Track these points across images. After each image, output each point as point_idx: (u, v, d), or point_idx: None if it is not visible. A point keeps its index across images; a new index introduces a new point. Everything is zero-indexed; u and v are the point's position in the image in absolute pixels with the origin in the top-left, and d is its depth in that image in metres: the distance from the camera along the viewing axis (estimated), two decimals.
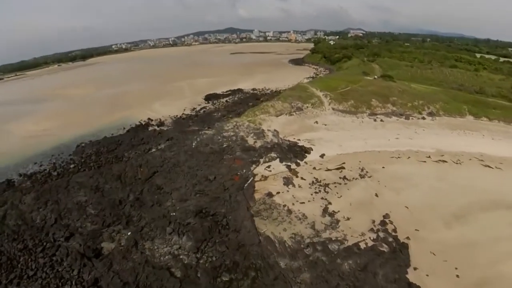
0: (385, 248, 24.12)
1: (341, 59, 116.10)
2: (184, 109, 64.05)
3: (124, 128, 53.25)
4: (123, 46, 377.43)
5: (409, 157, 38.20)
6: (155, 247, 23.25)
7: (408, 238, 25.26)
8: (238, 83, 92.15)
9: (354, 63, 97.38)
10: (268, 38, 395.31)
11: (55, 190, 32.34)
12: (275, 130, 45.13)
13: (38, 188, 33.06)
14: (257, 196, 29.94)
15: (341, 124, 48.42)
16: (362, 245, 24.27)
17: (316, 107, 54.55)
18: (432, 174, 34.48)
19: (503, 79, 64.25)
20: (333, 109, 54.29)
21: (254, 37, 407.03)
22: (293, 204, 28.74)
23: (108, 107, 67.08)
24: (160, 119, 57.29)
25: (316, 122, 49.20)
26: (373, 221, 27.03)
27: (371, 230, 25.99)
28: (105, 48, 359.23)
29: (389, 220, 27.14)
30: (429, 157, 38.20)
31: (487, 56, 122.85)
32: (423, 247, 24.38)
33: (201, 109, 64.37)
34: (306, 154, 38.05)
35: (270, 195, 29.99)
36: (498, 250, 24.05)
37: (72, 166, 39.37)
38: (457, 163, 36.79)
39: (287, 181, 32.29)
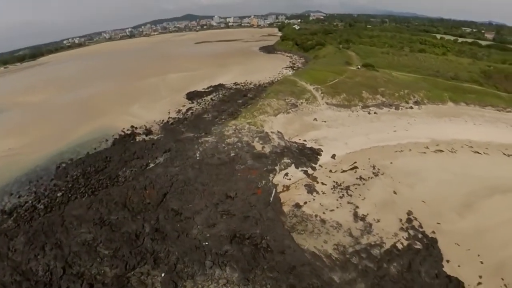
0: (419, 245, 25.45)
1: (314, 46, 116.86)
2: (169, 112, 59.06)
3: (106, 140, 47.34)
4: (76, 41, 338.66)
5: (410, 150, 40.17)
6: (199, 286, 21.24)
7: (433, 232, 26.88)
8: (216, 77, 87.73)
9: (330, 50, 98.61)
10: (229, 24, 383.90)
11: (50, 229, 27.68)
12: (278, 132, 43.93)
13: (26, 229, 27.91)
14: (285, 209, 29.04)
15: (340, 120, 48.98)
16: (399, 246, 25.26)
17: (311, 102, 54.29)
18: (435, 165, 36.72)
19: (471, 63, 70.67)
20: (327, 103, 54.57)
21: (215, 24, 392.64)
22: (323, 213, 28.49)
23: (80, 115, 58.61)
24: (145, 126, 52.09)
25: (315, 119, 49.03)
26: (400, 220, 28.15)
27: (401, 229, 27.06)
28: (56, 44, 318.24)
29: (413, 217, 28.49)
30: (427, 147, 40.63)
31: (446, 37, 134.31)
32: (448, 239, 26.16)
33: (187, 110, 59.99)
34: (318, 157, 37.78)
35: (298, 206, 29.28)
36: (505, 234, 26.71)
37: (59, 194, 33.90)
38: (452, 152, 39.71)
39: (310, 189, 31.80)
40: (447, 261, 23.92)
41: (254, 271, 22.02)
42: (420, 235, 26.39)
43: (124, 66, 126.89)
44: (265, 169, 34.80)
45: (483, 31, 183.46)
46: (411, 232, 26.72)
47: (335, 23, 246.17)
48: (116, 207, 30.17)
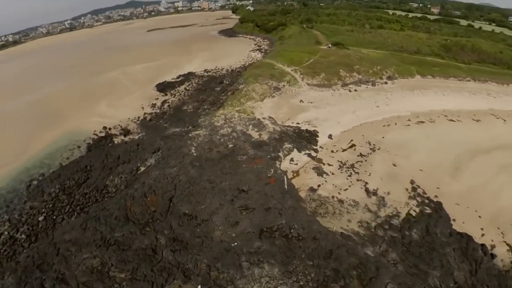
0: (428, 210, 27.66)
1: (276, 27, 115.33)
2: (142, 107, 53.67)
3: (79, 147, 41.34)
4: (10, 39, 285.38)
5: (396, 124, 42.65)
6: None
7: (436, 196, 29.40)
8: (183, 65, 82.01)
9: (295, 31, 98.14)
10: (179, 9, 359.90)
11: (44, 262, 23.30)
12: (270, 117, 43.01)
13: (13, 266, 23.20)
14: (301, 194, 28.93)
15: (325, 100, 49.67)
16: (413, 213, 27.18)
17: (292, 84, 53.96)
18: (421, 136, 39.60)
19: (429, 37, 76.67)
20: (308, 84, 54.78)
21: (163, 9, 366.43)
22: (338, 193, 29.13)
23: (38, 121, 49.51)
24: (120, 126, 46.61)
25: (301, 101, 49.00)
26: (406, 189, 30.17)
27: (410, 197, 29.07)
28: None
29: (416, 185, 30.73)
30: (410, 120, 43.59)
31: (397, 12, 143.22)
32: (449, 200, 28.88)
33: (162, 104, 55.13)
34: (316, 138, 38.06)
35: (312, 190, 29.44)
36: (492, 189, 30.52)
37: (40, 218, 28.75)
38: (431, 122, 43.23)
39: (319, 171, 32.09)
40: (453, 220, 26.53)
41: (293, 262, 21.68)
42: (427, 201, 28.67)
43: (74, 61, 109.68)
44: (269, 156, 33.97)
45: (429, 6, 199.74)
46: (418, 199, 28.84)
47: (289, 3, 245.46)
48: (117, 222, 26.71)
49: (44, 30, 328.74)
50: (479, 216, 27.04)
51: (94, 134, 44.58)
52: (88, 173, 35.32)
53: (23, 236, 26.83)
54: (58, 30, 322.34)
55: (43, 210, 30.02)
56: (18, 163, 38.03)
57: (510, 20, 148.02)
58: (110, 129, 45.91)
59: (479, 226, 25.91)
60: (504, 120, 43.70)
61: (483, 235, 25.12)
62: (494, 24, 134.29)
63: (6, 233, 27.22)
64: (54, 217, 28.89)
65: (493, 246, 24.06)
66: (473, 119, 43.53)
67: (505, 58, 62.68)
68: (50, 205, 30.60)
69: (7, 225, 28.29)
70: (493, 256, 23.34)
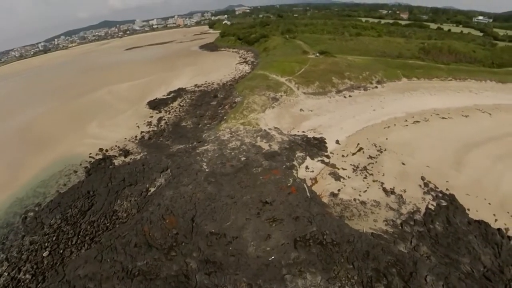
0: (444, 203, 28.64)
1: (259, 39, 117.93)
2: (138, 126, 51.64)
3: (75, 172, 38.55)
4: None
5: (395, 125, 44.35)
6: None
7: (447, 189, 30.58)
8: (171, 82, 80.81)
9: (279, 42, 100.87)
10: (154, 26, 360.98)
11: None
12: (275, 128, 43.14)
13: None
14: (324, 200, 28.91)
15: (323, 107, 50.87)
16: (431, 207, 27.99)
17: (289, 94, 54.84)
18: (420, 134, 41.39)
19: (406, 42, 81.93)
20: (304, 93, 55.94)
21: (137, 28, 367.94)
22: (359, 195, 29.48)
23: (25, 147, 45.45)
24: (118, 147, 44.33)
25: (302, 109, 49.81)
26: (420, 185, 31.14)
27: (425, 193, 29.99)
28: None
29: (427, 181, 31.76)
30: (406, 120, 45.57)
31: (370, 20, 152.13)
32: (459, 192, 30.14)
33: (158, 121, 53.45)
34: (325, 145, 38.58)
35: (334, 195, 29.54)
36: (493, 178, 32.38)
37: (45, 253, 25.91)
38: (426, 121, 45.43)
39: (336, 176, 32.34)
40: (468, 209, 27.63)
41: (333, 268, 21.28)
42: (440, 194, 29.70)
43: (55, 84, 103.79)
44: (284, 166, 33.79)
45: (397, 12, 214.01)
46: (433, 193, 29.81)
47: (264, 16, 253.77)
48: (138, 249, 24.87)
49: (16, 53, 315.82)
50: (489, 204, 28.40)
51: (91, 157, 41.97)
52: (92, 199, 32.88)
53: (27, 276, 23.89)
54: (32, 53, 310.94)
55: (46, 244, 27.17)
56: (8, 194, 34.52)
57: (475, 21, 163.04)
58: (107, 150, 43.50)
59: (491, 212, 27.25)
60: (490, 114, 47.06)
61: (496, 220, 26.32)
62: (460, 25, 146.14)
63: (6, 274, 24.09)
64: (61, 251, 26.22)
65: (507, 229, 25.26)
66: (462, 115, 46.46)
67: (479, 56, 68.50)
68: (54, 238, 27.81)
69: (5, 265, 25.14)
70: (510, 238, 24.57)
